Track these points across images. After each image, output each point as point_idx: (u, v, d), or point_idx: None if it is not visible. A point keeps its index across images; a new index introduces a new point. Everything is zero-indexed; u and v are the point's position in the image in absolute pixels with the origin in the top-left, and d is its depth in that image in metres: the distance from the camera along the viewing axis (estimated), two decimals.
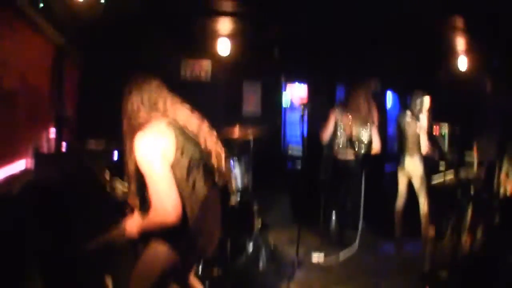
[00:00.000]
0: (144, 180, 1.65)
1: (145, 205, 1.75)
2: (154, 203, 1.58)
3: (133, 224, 1.72)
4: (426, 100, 4.14)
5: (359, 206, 4.36)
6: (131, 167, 1.75)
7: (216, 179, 1.85)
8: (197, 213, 1.67)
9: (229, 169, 1.95)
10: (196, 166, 1.70)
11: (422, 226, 4.14)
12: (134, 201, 1.83)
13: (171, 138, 1.67)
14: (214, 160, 1.83)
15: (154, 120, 1.74)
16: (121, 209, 1.90)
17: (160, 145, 1.64)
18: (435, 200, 4.14)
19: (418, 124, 4.09)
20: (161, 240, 1.69)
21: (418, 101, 4.14)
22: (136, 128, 1.73)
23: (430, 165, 4.22)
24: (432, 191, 4.14)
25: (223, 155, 1.88)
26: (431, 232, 4.05)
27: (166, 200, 1.56)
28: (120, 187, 1.93)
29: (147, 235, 1.70)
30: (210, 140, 1.85)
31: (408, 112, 4.22)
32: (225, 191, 2.00)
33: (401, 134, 4.34)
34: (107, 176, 2.28)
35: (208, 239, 1.79)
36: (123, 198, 1.94)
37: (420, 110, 4.12)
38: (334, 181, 4.50)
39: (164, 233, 1.65)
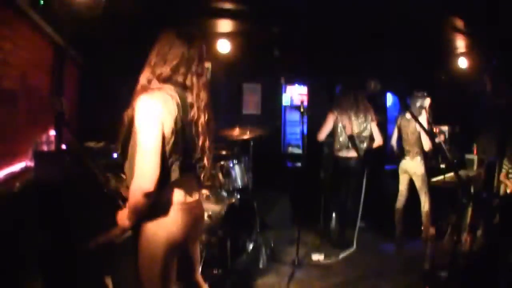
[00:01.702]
0: (130, 137, 1.66)
1: (124, 154, 1.73)
2: (137, 169, 1.57)
3: (123, 214, 1.73)
4: (427, 100, 4.14)
5: (358, 205, 4.36)
6: (124, 122, 1.72)
7: (200, 174, 1.85)
8: (166, 189, 1.68)
9: (213, 175, 1.95)
10: (179, 151, 1.69)
11: (423, 225, 4.14)
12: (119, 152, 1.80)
13: (174, 114, 1.64)
14: (204, 160, 1.82)
15: (169, 87, 1.70)
16: (121, 208, 1.90)
17: (163, 115, 1.61)
18: (435, 200, 4.15)
19: (418, 124, 4.09)
20: (147, 221, 1.68)
21: (418, 101, 4.15)
22: (148, 85, 1.70)
23: (431, 165, 4.23)
24: (432, 190, 4.15)
25: (211, 158, 1.87)
26: (432, 231, 4.06)
27: (148, 167, 1.56)
28: (120, 185, 1.93)
29: (136, 220, 1.68)
30: (208, 141, 1.83)
31: (408, 112, 4.22)
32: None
33: (401, 134, 4.36)
34: (108, 175, 2.28)
35: (188, 211, 1.77)
36: (122, 196, 1.94)
37: (420, 110, 4.13)
38: (335, 180, 4.51)
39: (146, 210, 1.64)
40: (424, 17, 4.23)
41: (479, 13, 4.01)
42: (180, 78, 1.73)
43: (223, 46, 5.42)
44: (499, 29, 4.16)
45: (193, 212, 1.81)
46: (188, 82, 1.75)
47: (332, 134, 4.43)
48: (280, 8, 4.30)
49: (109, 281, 2.38)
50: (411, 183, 4.28)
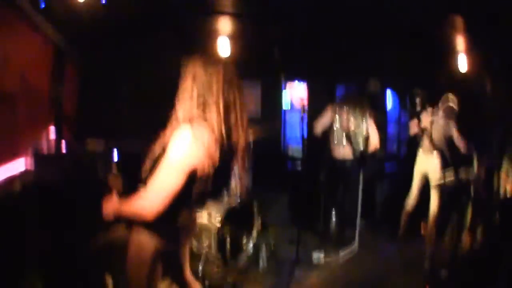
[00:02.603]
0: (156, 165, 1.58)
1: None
2: (145, 194, 1.55)
3: (111, 205, 1.72)
4: (455, 101, 4.17)
5: (357, 206, 4.35)
6: (158, 148, 1.64)
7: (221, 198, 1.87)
8: (180, 220, 1.71)
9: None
10: (206, 195, 1.70)
11: (429, 224, 4.13)
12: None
13: (213, 153, 1.58)
14: (231, 185, 1.83)
15: (212, 121, 1.60)
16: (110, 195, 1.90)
17: (197, 155, 1.55)
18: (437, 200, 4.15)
19: (448, 125, 4.14)
20: (140, 228, 1.70)
21: (446, 102, 4.16)
22: (191, 117, 1.59)
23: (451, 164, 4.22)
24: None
25: (243, 185, 1.86)
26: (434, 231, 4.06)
27: (157, 198, 1.53)
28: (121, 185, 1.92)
29: (123, 219, 1.71)
30: (242, 168, 1.76)
31: (435, 111, 4.22)
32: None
33: (421, 132, 4.33)
34: (109, 174, 2.28)
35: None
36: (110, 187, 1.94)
37: (451, 115, 4.15)
38: (332, 181, 4.50)
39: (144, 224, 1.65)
40: (424, 16, 4.23)
41: (479, 13, 4.01)
42: (227, 99, 1.65)
43: (223, 46, 5.41)
44: (499, 29, 4.16)
45: (189, 225, 1.85)
46: (231, 104, 1.66)
47: (329, 132, 4.42)
48: (280, 7, 4.30)
49: (109, 281, 2.38)
50: (424, 185, 4.28)
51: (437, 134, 4.20)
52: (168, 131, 1.62)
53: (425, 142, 4.29)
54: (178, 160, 1.53)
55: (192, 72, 1.65)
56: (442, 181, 3.90)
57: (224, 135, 1.62)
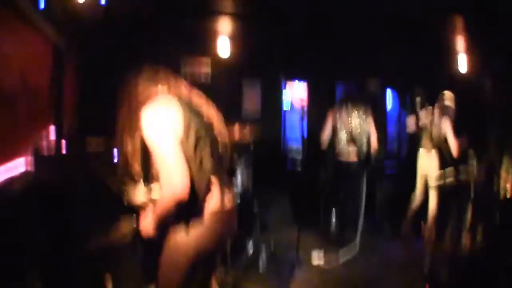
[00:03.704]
0: (151, 157, 1.62)
1: (150, 180, 1.71)
2: (163, 178, 1.54)
3: (147, 220, 1.67)
4: (451, 99, 4.18)
5: (359, 207, 4.36)
6: (135, 146, 1.72)
7: (220, 150, 1.80)
8: (204, 189, 1.63)
9: (230, 139, 1.92)
10: (202, 141, 1.66)
11: (429, 224, 4.13)
12: (139, 179, 1.77)
13: (179, 113, 1.63)
14: (216, 132, 1.80)
15: (160, 94, 1.73)
16: (121, 209, 1.89)
17: (169, 120, 1.60)
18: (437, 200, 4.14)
19: (442, 123, 4.13)
20: (178, 228, 1.62)
21: (442, 100, 4.16)
22: (140, 103, 1.69)
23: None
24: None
25: (223, 125, 1.86)
26: (432, 231, 4.06)
27: (175, 174, 1.51)
28: (124, 187, 1.91)
29: (163, 226, 1.63)
30: (210, 111, 1.83)
31: (433, 110, 4.22)
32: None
33: (421, 131, 4.33)
34: (110, 175, 2.28)
35: (223, 219, 1.71)
36: (125, 198, 1.92)
37: (445, 110, 4.14)
38: (335, 182, 4.50)
39: (178, 215, 1.59)
40: (424, 16, 4.23)
41: (479, 13, 4.01)
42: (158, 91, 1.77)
43: (223, 45, 5.41)
44: (499, 29, 4.16)
45: (228, 222, 1.76)
46: (165, 83, 1.80)
47: (332, 134, 4.42)
48: (280, 7, 4.30)
49: (109, 281, 2.38)
50: (426, 184, 4.29)
51: (436, 133, 4.21)
52: (133, 129, 1.71)
53: (425, 141, 4.29)
54: (158, 126, 1.58)
55: (127, 93, 1.82)
56: (441, 181, 3.90)
57: (184, 99, 1.74)
